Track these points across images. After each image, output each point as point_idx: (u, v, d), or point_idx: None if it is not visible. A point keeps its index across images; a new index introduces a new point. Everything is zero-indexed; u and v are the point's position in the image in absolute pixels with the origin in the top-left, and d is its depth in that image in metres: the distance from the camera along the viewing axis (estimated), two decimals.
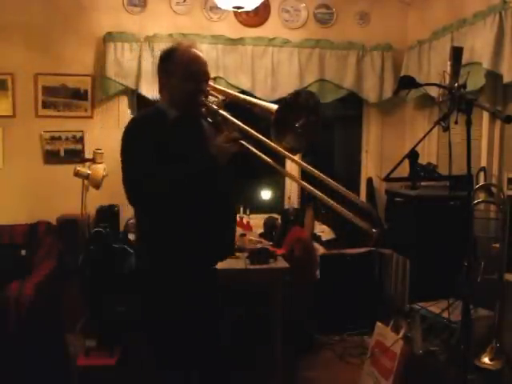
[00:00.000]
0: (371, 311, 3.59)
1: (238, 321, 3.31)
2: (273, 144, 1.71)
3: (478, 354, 2.55)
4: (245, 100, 1.99)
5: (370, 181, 4.42)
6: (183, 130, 1.92)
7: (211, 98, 1.97)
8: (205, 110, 1.95)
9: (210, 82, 2.01)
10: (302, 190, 4.44)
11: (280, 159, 1.80)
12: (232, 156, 1.80)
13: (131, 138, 1.87)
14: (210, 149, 1.81)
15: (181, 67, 1.92)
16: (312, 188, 1.68)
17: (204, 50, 4.05)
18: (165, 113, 1.94)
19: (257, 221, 4.04)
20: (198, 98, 1.92)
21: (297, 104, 1.70)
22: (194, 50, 1.96)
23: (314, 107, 1.73)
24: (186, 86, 1.91)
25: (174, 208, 1.84)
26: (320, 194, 1.67)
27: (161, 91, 2.01)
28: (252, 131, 1.80)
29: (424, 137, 2.41)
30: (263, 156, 1.77)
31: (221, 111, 1.90)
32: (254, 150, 1.80)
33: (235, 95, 2.07)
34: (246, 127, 1.82)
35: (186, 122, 1.95)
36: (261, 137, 1.75)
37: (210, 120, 1.98)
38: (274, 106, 1.68)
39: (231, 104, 1.95)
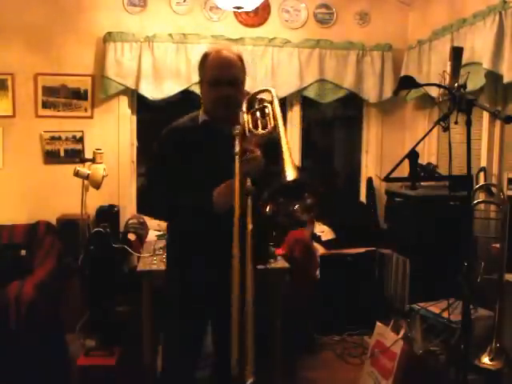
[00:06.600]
0: (371, 311, 3.59)
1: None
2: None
3: (478, 354, 2.54)
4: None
5: (369, 181, 4.41)
6: (208, 136, 1.94)
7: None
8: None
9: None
10: None
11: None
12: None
13: (154, 148, 2.00)
14: (214, 193, 1.80)
15: (206, 74, 1.94)
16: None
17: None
18: (197, 118, 2.00)
19: None
20: (223, 104, 1.90)
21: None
22: (223, 53, 1.94)
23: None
24: (211, 93, 1.93)
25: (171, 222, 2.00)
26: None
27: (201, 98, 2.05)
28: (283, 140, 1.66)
29: (424, 137, 2.41)
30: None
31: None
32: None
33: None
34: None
35: (213, 127, 1.95)
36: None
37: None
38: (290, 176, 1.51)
39: None
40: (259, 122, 1.83)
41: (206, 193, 1.82)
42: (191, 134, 1.97)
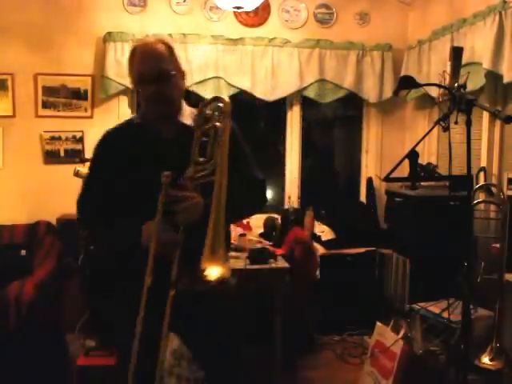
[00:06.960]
0: (371, 311, 3.59)
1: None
2: None
3: (478, 354, 2.54)
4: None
5: (369, 181, 4.41)
6: (138, 139, 1.77)
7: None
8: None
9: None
10: (302, 190, 4.45)
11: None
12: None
13: (92, 158, 1.89)
14: (143, 227, 1.66)
15: (133, 71, 1.74)
16: None
17: (204, 50, 4.07)
18: (133, 121, 1.84)
19: (257, 221, 4.03)
20: (154, 102, 1.72)
21: None
22: (148, 47, 1.73)
23: None
24: (141, 92, 1.75)
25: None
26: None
27: None
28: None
29: (424, 137, 2.40)
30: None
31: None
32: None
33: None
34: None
35: (145, 130, 1.78)
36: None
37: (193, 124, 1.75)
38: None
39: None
40: (208, 146, 1.63)
41: (133, 228, 1.69)
42: (123, 138, 1.80)
